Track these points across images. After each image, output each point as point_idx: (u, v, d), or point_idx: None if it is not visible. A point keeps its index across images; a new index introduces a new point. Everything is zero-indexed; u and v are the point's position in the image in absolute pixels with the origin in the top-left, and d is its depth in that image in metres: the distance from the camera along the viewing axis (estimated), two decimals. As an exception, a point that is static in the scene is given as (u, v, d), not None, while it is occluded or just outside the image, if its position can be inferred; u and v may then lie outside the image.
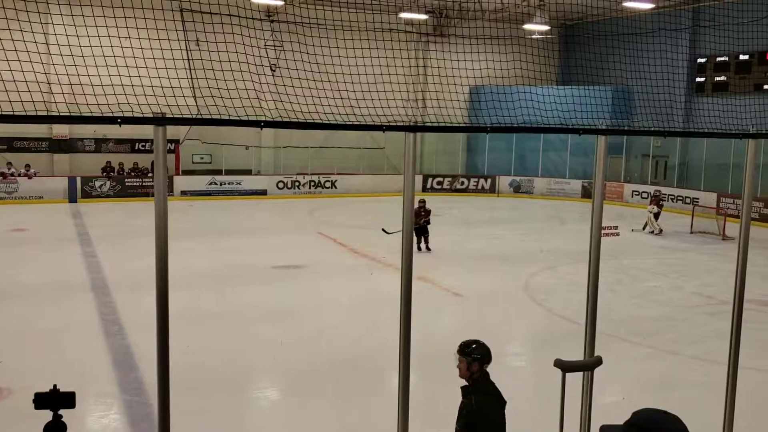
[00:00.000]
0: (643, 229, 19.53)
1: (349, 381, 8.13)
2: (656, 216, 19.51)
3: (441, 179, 29.28)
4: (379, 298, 11.53)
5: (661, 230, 19.28)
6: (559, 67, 28.45)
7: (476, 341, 4.76)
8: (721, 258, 15.59)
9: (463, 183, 29.37)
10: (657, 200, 19.87)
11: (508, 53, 16.63)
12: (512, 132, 21.95)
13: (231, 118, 2.97)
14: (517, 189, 28.96)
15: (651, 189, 24.55)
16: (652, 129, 6.71)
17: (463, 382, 4.72)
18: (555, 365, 4.13)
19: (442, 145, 30.00)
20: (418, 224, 14.66)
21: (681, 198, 24.45)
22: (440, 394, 7.89)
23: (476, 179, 29.43)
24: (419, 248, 14.95)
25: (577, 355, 4.79)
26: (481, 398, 4.40)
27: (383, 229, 14.61)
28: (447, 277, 13.34)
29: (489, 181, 29.27)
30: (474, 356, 4.61)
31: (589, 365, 4.07)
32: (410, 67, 25.76)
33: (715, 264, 15.18)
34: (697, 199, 23.02)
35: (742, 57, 23.38)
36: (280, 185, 26.98)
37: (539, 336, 10.14)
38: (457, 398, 7.92)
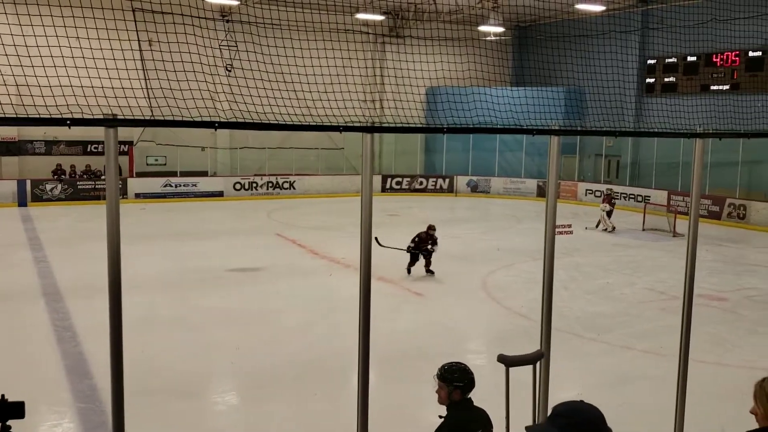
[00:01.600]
0: (597, 227, 19.95)
1: (308, 383, 8.09)
2: (609, 214, 19.95)
3: (400, 179, 29.39)
4: (339, 300, 11.51)
5: (614, 228, 19.72)
6: (513, 68, 28.86)
7: (459, 367, 4.20)
8: (672, 254, 16.02)
9: (421, 183, 29.54)
10: (609, 199, 20.31)
11: (464, 54, 16.80)
12: (468, 132, 22.16)
13: (184, 119, 2.93)
14: (474, 188, 29.26)
15: (604, 188, 25.10)
16: (604, 129, 6.86)
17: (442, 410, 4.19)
18: (498, 360, 4.19)
19: (401, 145, 30.13)
20: (419, 250, 13.66)
21: (633, 196, 25.04)
22: (401, 394, 7.93)
23: (435, 179, 29.64)
24: (409, 271, 13.62)
25: (533, 351, 4.86)
26: (456, 414, 4.12)
27: (376, 238, 13.84)
28: (407, 277, 13.41)
29: (447, 180, 29.50)
30: (456, 384, 4.13)
31: (531, 359, 4.14)
32: (367, 68, 25.80)
33: (667, 260, 15.60)
34: (649, 197, 23.61)
35: (689, 59, 24.07)
36: (237, 186, 26.70)
37: (498, 333, 10.26)
38: (418, 397, 7.98)
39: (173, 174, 25.93)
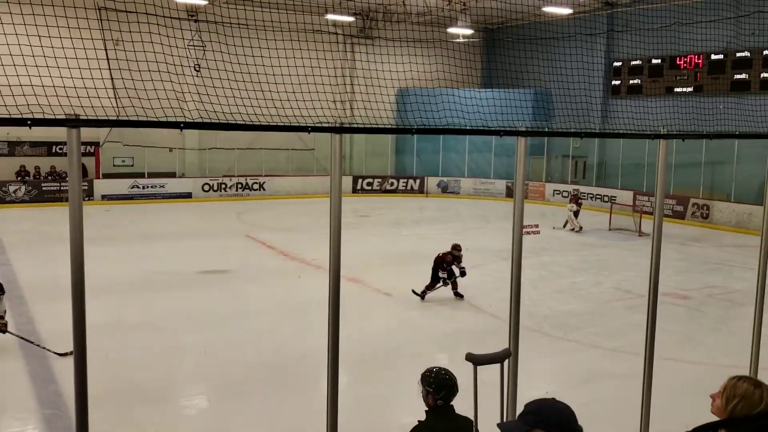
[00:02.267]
0: (564, 227, 20.20)
1: (278, 386, 8.04)
2: (576, 214, 20.22)
3: (371, 180, 29.39)
4: (309, 301, 11.45)
5: (581, 228, 19.98)
6: (482, 70, 29.07)
7: (435, 372, 4.11)
8: (638, 253, 16.29)
9: (392, 184, 29.60)
10: (576, 199, 20.59)
11: (434, 56, 16.90)
12: (436, 133, 22.29)
13: (149, 119, 2.88)
14: (444, 189, 29.41)
15: (571, 188, 25.43)
16: (570, 130, 6.95)
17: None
18: (466, 359, 4.21)
19: (371, 146, 30.16)
20: (444, 271, 11.86)
21: (599, 196, 25.41)
22: (371, 394, 7.92)
23: (405, 180, 29.72)
24: (423, 296, 11.86)
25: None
26: (429, 422, 4.06)
27: (413, 291, 11.90)
28: (377, 278, 13.39)
29: (418, 181, 29.60)
30: (428, 389, 4.08)
31: (498, 358, 4.17)
32: (336, 68, 25.76)
33: (633, 259, 15.85)
34: (615, 197, 23.98)
35: (654, 61, 24.52)
36: (206, 188, 26.44)
37: (467, 333, 10.31)
38: (389, 397, 7.98)
39: (141, 175, 25.57)
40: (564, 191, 26.66)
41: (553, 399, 2.45)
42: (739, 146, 21.10)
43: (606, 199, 24.52)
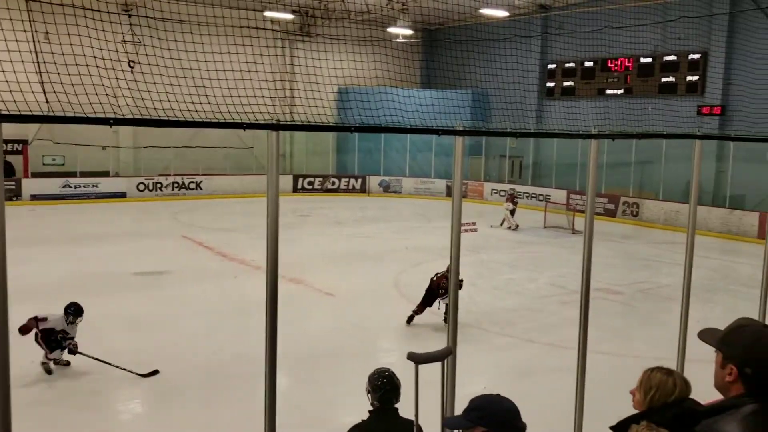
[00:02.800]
0: (501, 225, 20.59)
1: (215, 389, 7.90)
2: (512, 213, 20.65)
3: (312, 179, 29.24)
4: (248, 302, 11.29)
5: (517, 226, 20.41)
6: (422, 70, 29.33)
7: (380, 372, 4.11)
8: (571, 250, 16.74)
9: (334, 183, 29.52)
10: (512, 198, 21.03)
11: (374, 54, 16.94)
12: (374, 132, 22.33)
13: (77, 115, 2.78)
14: (386, 189, 29.53)
15: (508, 187, 25.95)
16: (505, 130, 7.10)
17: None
18: (408, 358, 4.25)
19: (312, 145, 30.00)
20: (443, 297, 10.30)
21: (535, 195, 26.00)
22: (312, 395, 7.89)
23: (347, 179, 29.68)
24: (409, 321, 10.54)
25: (443, 347, 4.95)
26: (368, 423, 4.08)
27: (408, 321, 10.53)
28: (319, 278, 13.33)
29: (359, 180, 29.62)
30: (367, 389, 4.12)
31: (440, 356, 4.22)
32: (277, 64, 25.50)
33: (567, 256, 16.28)
34: (549, 196, 24.58)
35: (587, 64, 25.25)
36: (141, 187, 25.76)
37: (409, 331, 10.38)
38: (328, 398, 7.96)
39: (72, 174, 24.69)
40: (501, 190, 27.16)
41: (498, 395, 2.49)
42: (666, 146, 21.97)
43: (541, 197, 25.09)
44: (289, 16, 26.06)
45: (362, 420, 4.14)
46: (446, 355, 4.41)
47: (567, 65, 25.95)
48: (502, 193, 26.79)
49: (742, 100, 20.56)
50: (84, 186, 24.66)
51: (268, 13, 23.70)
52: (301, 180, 28.96)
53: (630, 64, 23.99)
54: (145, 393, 8.00)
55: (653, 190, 23.47)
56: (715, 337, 2.37)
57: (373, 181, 29.62)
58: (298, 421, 6.72)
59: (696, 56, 22.43)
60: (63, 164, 25.08)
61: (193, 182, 26.74)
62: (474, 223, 5.32)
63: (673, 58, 22.94)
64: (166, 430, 6.98)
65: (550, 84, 27.04)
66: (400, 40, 24.37)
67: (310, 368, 8.62)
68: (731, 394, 2.20)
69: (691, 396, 2.93)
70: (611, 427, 2.98)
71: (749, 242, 18.86)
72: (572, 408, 5.58)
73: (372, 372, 4.17)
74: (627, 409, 3.01)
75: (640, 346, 9.83)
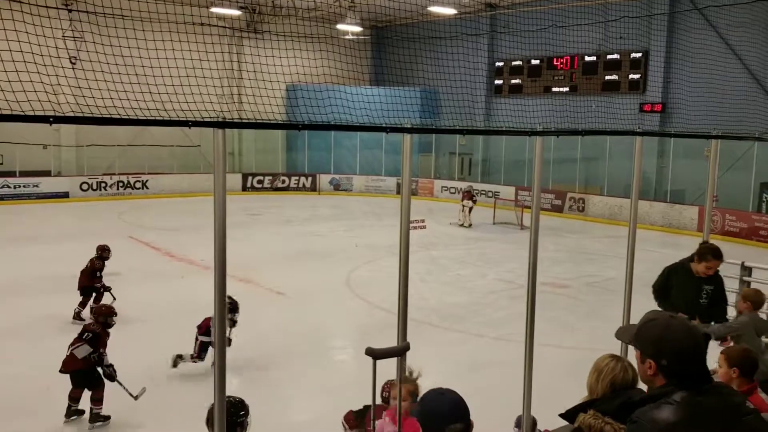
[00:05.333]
0: (462, 222, 20.83)
1: (163, 391, 7.76)
2: (470, 210, 20.92)
3: (261, 178, 28.93)
4: (197, 303, 11.12)
5: (470, 224, 20.65)
6: (371, 67, 29.35)
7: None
8: (519, 246, 17.02)
9: (284, 181, 29.27)
10: (470, 195, 21.27)
11: (323, 51, 16.87)
12: (322, 129, 22.24)
13: (15, 113, 2.69)
14: (337, 187, 29.45)
15: (459, 185, 26.20)
16: (452, 127, 7.19)
17: None
18: (366, 353, 4.27)
19: (261, 143, 29.68)
20: None
21: (484, 192, 26.34)
22: (264, 395, 7.81)
23: (297, 177, 29.48)
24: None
25: (394, 343, 4.98)
26: None
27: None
28: (269, 277, 13.22)
29: (310, 179, 29.46)
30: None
31: (398, 351, 4.26)
32: (224, 61, 25.12)
33: (515, 251, 16.55)
34: (498, 192, 24.95)
35: (533, 62, 25.69)
36: (84, 187, 25.03)
37: (361, 328, 10.40)
38: (280, 398, 7.90)
39: (11, 174, 23.81)
40: (452, 187, 27.42)
41: (447, 389, 2.53)
42: (610, 143, 22.57)
43: (490, 194, 25.44)
44: (236, 12, 25.73)
45: None
46: (405, 351, 4.44)
47: (514, 63, 26.36)
48: (452, 191, 27.05)
49: (681, 97, 21.28)
50: (24, 186, 23.83)
51: (214, 9, 23.34)
52: (250, 179, 28.63)
53: (575, 63, 24.53)
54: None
55: (598, 186, 24.07)
56: (630, 334, 2.46)
57: (324, 180, 29.51)
58: (251, 421, 6.65)
59: (637, 55, 23.08)
60: (1, 163, 24.18)
61: (138, 181, 26.13)
62: (423, 220, 5.35)
63: (616, 56, 23.56)
64: (112, 435, 6.81)
65: (498, 82, 27.42)
66: (349, 37, 24.33)
67: (262, 368, 8.55)
68: (657, 386, 2.29)
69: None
70: (560, 415, 3.07)
71: (689, 235, 19.52)
72: (521, 400, 5.68)
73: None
74: (574, 399, 3.09)
75: (586, 338, 10.07)
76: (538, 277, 5.83)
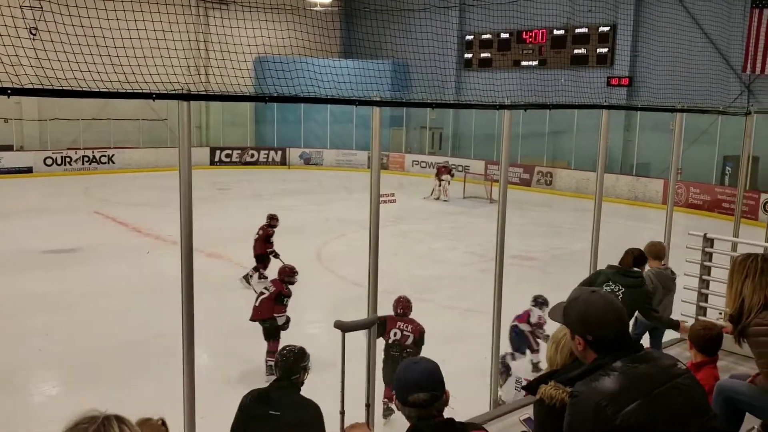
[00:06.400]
0: (437, 197, 20.91)
1: (132, 368, 7.73)
2: (447, 184, 21.06)
3: (230, 152, 28.59)
4: (165, 278, 11.02)
5: (447, 198, 20.80)
6: (341, 39, 29.01)
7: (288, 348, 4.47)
8: (489, 219, 17.12)
9: (253, 155, 28.97)
10: (448, 170, 21.36)
11: (292, 23, 16.62)
12: (290, 102, 21.99)
13: (-31, 85, 2.61)
14: (307, 161, 29.25)
15: (430, 159, 26.24)
16: (421, 101, 7.17)
17: None
18: (335, 326, 4.31)
19: (230, 116, 29.26)
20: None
21: (454, 166, 26.40)
22: (234, 369, 7.84)
23: (266, 151, 29.19)
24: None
25: (365, 315, 5.02)
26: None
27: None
28: (238, 252, 13.13)
29: (279, 153, 29.20)
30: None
31: (366, 324, 4.30)
32: (191, 32, 24.60)
33: (485, 225, 16.66)
34: (468, 166, 25.02)
35: (503, 35, 25.65)
36: (49, 162, 24.49)
37: (332, 302, 10.45)
38: (248, 371, 7.93)
39: (-29, 149, 23.21)
40: (422, 162, 27.45)
41: (423, 357, 2.57)
42: (578, 117, 22.75)
43: (460, 168, 25.51)
44: (203, -17, 25.17)
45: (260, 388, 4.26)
46: (373, 323, 4.49)
47: (484, 37, 26.29)
48: (423, 165, 27.09)
49: (648, 71, 21.50)
50: (-15, 161, 23.26)
51: (180, -21, 22.78)
52: (218, 152, 28.29)
53: (544, 37, 24.56)
54: (59, 374, 7.74)
55: (565, 160, 24.30)
56: (560, 313, 2.53)
57: (294, 154, 29.28)
58: (222, 395, 6.66)
59: (605, 29, 23.19)
60: (-39, 138, 23.55)
61: (104, 156, 25.64)
62: (393, 194, 5.37)
63: (584, 30, 23.64)
64: (79, 411, 6.78)
65: (468, 55, 27.35)
66: (319, 9, 24.00)
67: (232, 343, 8.55)
68: (590, 361, 2.36)
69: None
70: (523, 387, 3.14)
71: (655, 208, 19.88)
72: (489, 370, 5.80)
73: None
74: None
75: (553, 309, 10.25)
76: (507, 250, 5.92)
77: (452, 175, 21.29)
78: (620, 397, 2.18)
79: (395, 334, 6.72)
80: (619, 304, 2.44)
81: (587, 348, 2.36)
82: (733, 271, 3.51)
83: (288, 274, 8.23)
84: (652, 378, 2.27)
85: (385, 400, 6.52)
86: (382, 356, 6.45)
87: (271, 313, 7.84)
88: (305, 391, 4.25)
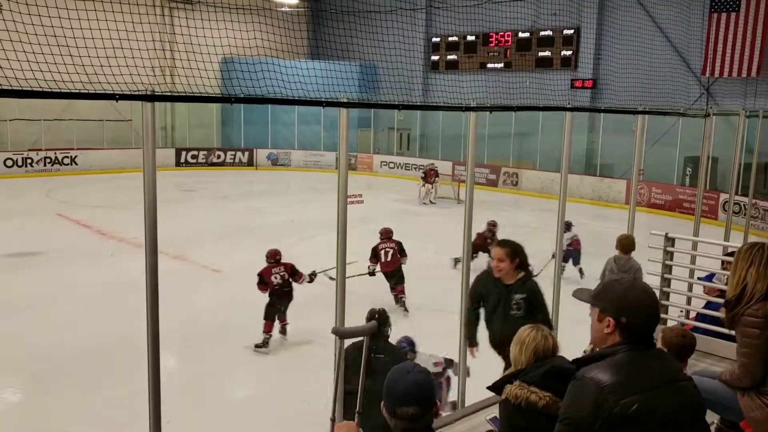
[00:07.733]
0: (431, 199, 21.07)
1: (96, 373, 7.60)
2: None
3: (196, 153, 28.27)
4: (130, 282, 10.87)
5: (434, 201, 21.01)
6: (309, 40, 28.91)
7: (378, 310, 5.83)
8: (457, 219, 17.12)
9: (219, 156, 28.69)
10: (437, 173, 21.53)
11: (259, 23, 16.53)
12: (256, 103, 21.91)
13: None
14: (275, 162, 29.07)
15: (398, 159, 26.30)
16: (388, 102, 7.20)
17: None
18: (332, 332, 4.27)
19: (196, 117, 28.94)
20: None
21: (422, 167, 26.52)
22: (202, 373, 7.75)
23: (233, 152, 28.93)
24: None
25: (333, 316, 5.01)
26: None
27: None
28: (204, 254, 13.03)
29: (246, 154, 28.97)
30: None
31: (364, 331, 4.24)
32: (154, 33, 24.30)
33: (452, 224, 16.74)
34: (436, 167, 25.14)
35: (469, 38, 25.84)
36: (9, 163, 23.92)
37: (299, 303, 10.38)
38: (217, 374, 7.85)
39: (-74, 150, 22.56)
40: (390, 162, 27.51)
41: (409, 368, 2.54)
42: (543, 119, 23.03)
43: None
44: (168, -18, 24.87)
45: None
46: (371, 330, 4.37)
47: (450, 39, 26.45)
48: (392, 165, 27.15)
49: (610, 74, 21.86)
50: (-59, 162, 22.63)
51: (144, -22, 22.47)
52: (184, 153, 27.95)
53: (509, 39, 24.80)
54: (20, 380, 7.57)
55: (531, 161, 24.58)
56: (589, 294, 2.56)
57: (261, 155, 29.07)
58: (189, 399, 6.60)
59: (569, 32, 23.53)
60: None
61: (67, 157, 25.14)
62: (360, 195, 5.39)
63: (548, 33, 23.95)
64: (42, 418, 6.64)
65: (435, 57, 27.48)
66: (285, 10, 23.90)
67: (198, 347, 8.46)
68: (608, 345, 2.40)
69: (563, 354, 3.18)
70: (488, 387, 3.18)
71: (618, 208, 20.22)
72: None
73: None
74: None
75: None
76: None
77: (438, 177, 21.59)
78: (623, 387, 2.24)
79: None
80: (657, 301, 2.49)
81: (615, 331, 2.38)
82: (738, 259, 3.59)
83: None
84: (658, 374, 2.33)
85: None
86: None
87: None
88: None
